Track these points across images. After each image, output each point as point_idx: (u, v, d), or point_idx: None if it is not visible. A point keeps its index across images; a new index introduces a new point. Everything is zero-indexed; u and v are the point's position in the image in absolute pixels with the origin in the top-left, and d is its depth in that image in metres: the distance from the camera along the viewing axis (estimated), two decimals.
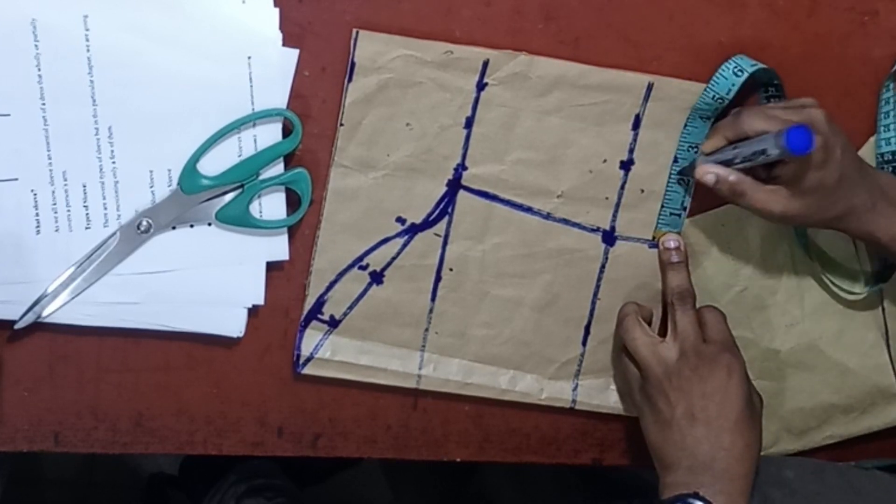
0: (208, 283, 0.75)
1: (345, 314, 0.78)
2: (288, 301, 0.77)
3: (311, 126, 0.75)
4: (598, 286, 0.80)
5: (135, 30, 0.70)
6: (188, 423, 0.79)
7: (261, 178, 0.73)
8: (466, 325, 0.80)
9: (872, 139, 0.81)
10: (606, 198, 0.79)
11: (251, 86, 0.72)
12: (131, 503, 1.46)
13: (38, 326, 0.74)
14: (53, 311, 0.73)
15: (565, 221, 0.79)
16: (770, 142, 0.68)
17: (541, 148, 0.77)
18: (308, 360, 0.78)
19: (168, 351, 0.77)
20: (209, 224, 0.74)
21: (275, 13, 0.72)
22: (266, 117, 0.73)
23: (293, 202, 0.75)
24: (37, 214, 0.72)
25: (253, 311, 0.76)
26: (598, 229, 0.79)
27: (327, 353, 0.78)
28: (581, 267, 0.80)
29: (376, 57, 0.73)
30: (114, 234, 0.73)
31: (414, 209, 0.77)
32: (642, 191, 0.78)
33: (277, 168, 0.74)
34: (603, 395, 0.83)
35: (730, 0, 0.78)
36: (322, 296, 0.77)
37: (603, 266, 0.80)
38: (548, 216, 0.78)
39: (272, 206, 0.75)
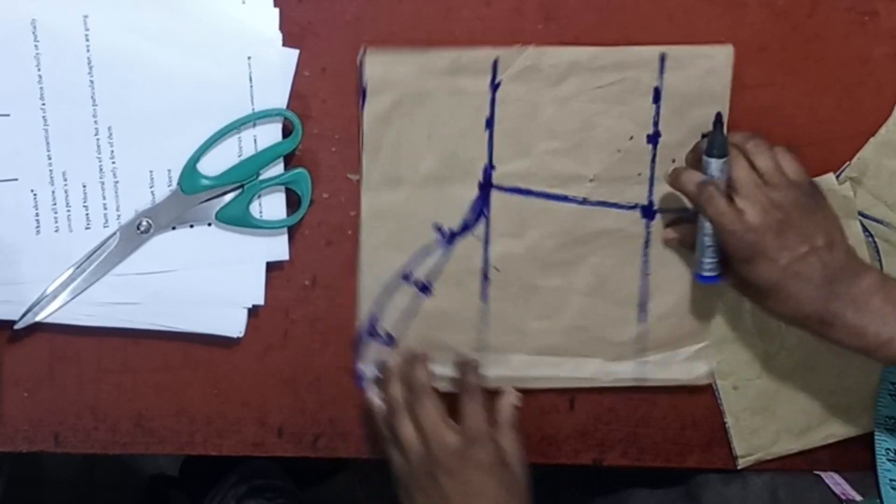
0: (208, 283, 0.75)
1: (399, 329, 0.78)
2: (288, 301, 0.77)
3: (311, 126, 0.75)
4: (645, 262, 0.80)
5: (135, 30, 0.70)
6: (188, 424, 0.79)
7: (261, 178, 0.74)
8: (521, 320, 0.80)
9: (873, 139, 0.81)
10: (639, 174, 0.78)
11: (251, 86, 0.72)
12: None
13: (38, 326, 0.74)
14: (53, 312, 0.73)
15: (602, 204, 0.78)
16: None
17: (565, 135, 0.77)
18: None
19: (168, 351, 0.77)
20: (209, 224, 0.74)
21: (275, 13, 0.72)
22: (266, 117, 0.73)
23: (293, 202, 0.75)
24: (37, 215, 0.72)
25: (253, 311, 0.76)
26: (636, 206, 0.79)
27: None
28: (624, 246, 0.79)
29: (386, 75, 0.73)
30: (114, 234, 0.73)
31: (449, 216, 0.77)
32: (674, 160, 0.78)
33: (277, 168, 0.74)
34: (670, 369, 0.82)
35: (730, 0, 0.78)
36: (374, 313, 0.78)
37: (647, 241, 0.79)
38: (584, 201, 0.78)
39: (272, 206, 0.75)
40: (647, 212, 0.79)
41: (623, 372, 0.82)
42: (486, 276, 0.79)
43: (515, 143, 0.76)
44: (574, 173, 0.77)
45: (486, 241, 0.78)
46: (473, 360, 0.78)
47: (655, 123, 0.77)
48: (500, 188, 0.77)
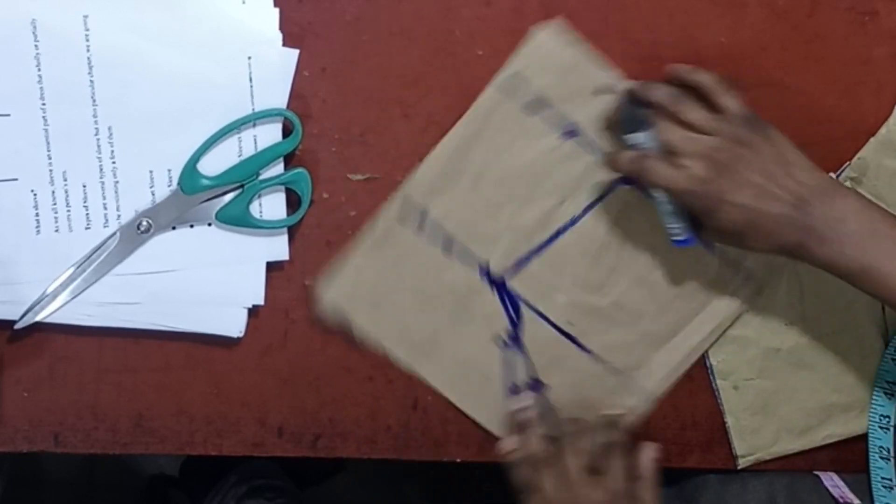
0: (208, 283, 0.75)
1: (556, 425, 0.80)
2: (288, 301, 0.77)
3: (311, 126, 0.75)
4: (670, 211, 0.78)
5: (135, 30, 0.70)
6: (188, 424, 0.79)
7: (261, 178, 0.74)
8: (629, 333, 0.81)
9: (873, 139, 0.81)
10: (592, 161, 0.78)
11: (251, 86, 0.72)
12: None
13: (38, 326, 0.74)
14: (53, 312, 0.73)
15: (589, 208, 0.79)
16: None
17: (510, 198, 0.78)
18: None
19: (168, 351, 0.77)
20: (209, 224, 0.74)
21: (275, 13, 0.72)
22: (266, 117, 0.73)
23: (293, 202, 0.75)
24: (37, 214, 0.72)
25: (253, 311, 0.76)
26: (615, 185, 0.78)
27: None
28: (641, 216, 0.79)
29: (347, 294, 0.77)
30: (114, 234, 0.73)
31: (497, 327, 0.79)
32: (607, 128, 0.77)
33: (277, 168, 0.74)
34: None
35: (730, 0, 0.78)
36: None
37: (658, 199, 0.78)
38: (574, 221, 0.79)
39: (272, 206, 0.75)
40: (627, 178, 0.78)
41: (729, 304, 0.81)
42: (568, 336, 0.80)
43: (482, 237, 0.78)
44: (545, 211, 0.78)
45: (541, 314, 0.79)
46: (616, 416, 0.79)
47: (560, 123, 0.77)
48: (509, 273, 0.79)
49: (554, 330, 0.80)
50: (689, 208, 0.72)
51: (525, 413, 0.79)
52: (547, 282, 0.79)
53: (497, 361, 0.80)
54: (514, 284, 0.79)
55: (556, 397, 0.81)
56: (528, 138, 0.77)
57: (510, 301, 0.79)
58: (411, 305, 0.78)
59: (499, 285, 0.79)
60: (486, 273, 0.79)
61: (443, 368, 0.79)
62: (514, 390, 0.80)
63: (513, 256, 0.79)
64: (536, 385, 0.80)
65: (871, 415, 0.84)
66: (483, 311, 0.79)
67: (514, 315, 0.80)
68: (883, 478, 0.83)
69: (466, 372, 0.79)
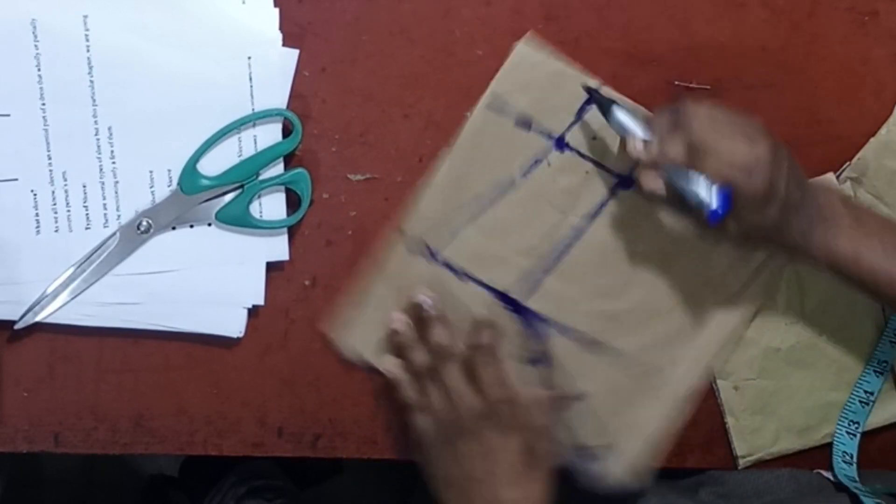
0: (208, 283, 0.75)
1: None
2: (288, 301, 0.77)
3: (311, 126, 0.75)
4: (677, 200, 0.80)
5: (135, 30, 0.70)
6: (188, 424, 0.79)
7: (261, 178, 0.74)
8: (652, 336, 0.81)
9: (873, 139, 0.81)
10: (587, 172, 0.78)
11: (251, 86, 0.72)
12: None
13: (38, 326, 0.74)
14: (53, 312, 0.73)
15: (594, 217, 0.79)
16: (696, 194, 0.67)
17: (510, 223, 0.78)
18: None
19: (168, 351, 0.77)
20: (209, 224, 0.74)
21: (275, 13, 0.72)
22: (266, 117, 0.73)
23: (293, 202, 0.75)
24: (37, 215, 0.72)
25: (253, 311, 0.76)
26: (614, 190, 0.78)
27: None
28: (642, 216, 0.79)
29: (359, 344, 0.79)
30: (114, 234, 0.73)
31: (523, 347, 0.80)
32: (594, 138, 0.77)
33: (277, 168, 0.74)
34: None
35: (730, 0, 0.78)
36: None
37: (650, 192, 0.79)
38: (581, 231, 0.79)
39: (272, 206, 0.75)
40: (626, 181, 0.78)
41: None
42: (598, 343, 0.80)
43: (493, 264, 0.78)
44: (550, 227, 0.78)
45: (565, 327, 0.80)
46: (487, 320, 0.78)
47: (549, 136, 0.77)
48: (525, 293, 0.79)
49: (581, 341, 0.80)
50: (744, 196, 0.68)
51: (400, 336, 0.77)
52: (565, 296, 0.79)
53: (529, 381, 0.80)
54: (533, 304, 0.79)
55: (594, 405, 0.81)
56: (524, 154, 0.77)
57: (532, 320, 0.80)
58: None
59: (518, 307, 0.79)
60: (504, 298, 0.79)
61: None
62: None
63: (527, 278, 0.79)
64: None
65: (856, 389, 0.84)
66: (507, 333, 0.79)
67: (537, 333, 0.80)
68: (844, 452, 0.84)
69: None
